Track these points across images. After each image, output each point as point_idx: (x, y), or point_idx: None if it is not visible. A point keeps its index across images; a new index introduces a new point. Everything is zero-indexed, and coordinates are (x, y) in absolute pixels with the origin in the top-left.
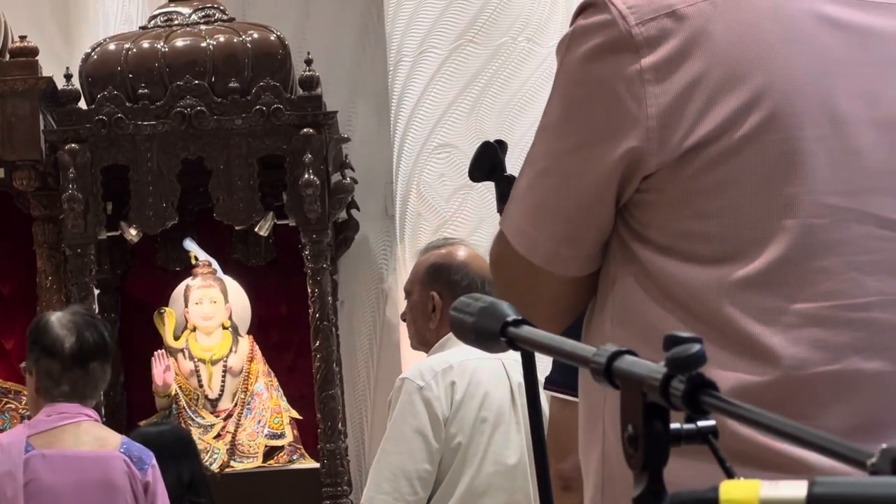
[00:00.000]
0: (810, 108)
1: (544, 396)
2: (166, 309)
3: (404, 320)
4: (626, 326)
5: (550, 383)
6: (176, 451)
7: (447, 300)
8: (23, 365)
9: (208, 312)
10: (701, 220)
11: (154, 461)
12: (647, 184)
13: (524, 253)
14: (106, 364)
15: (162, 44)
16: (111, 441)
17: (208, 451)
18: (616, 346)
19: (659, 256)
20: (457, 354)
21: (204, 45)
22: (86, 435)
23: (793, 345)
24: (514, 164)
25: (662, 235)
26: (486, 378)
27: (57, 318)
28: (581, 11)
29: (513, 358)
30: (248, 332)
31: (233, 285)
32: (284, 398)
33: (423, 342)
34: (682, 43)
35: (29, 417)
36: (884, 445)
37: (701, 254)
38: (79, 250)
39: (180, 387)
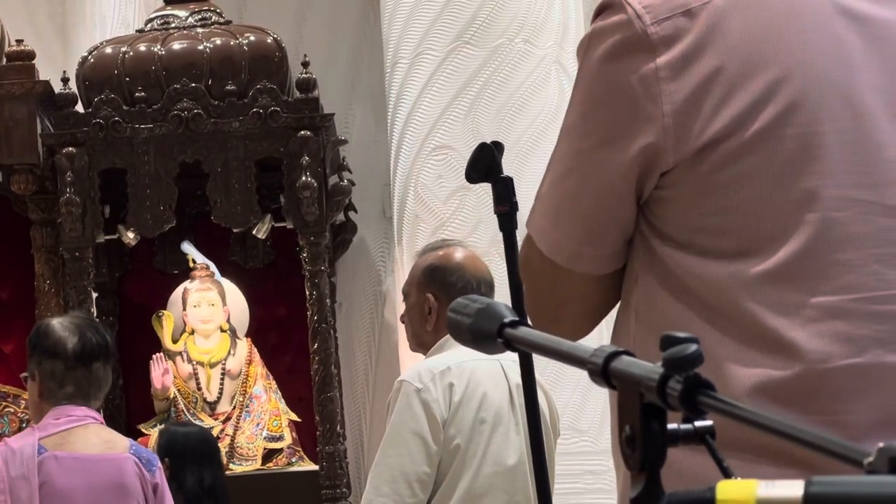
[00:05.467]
0: (829, 101)
1: (542, 397)
2: (164, 312)
3: (403, 322)
4: (649, 323)
5: None
6: (200, 455)
7: (443, 302)
8: (23, 375)
9: (206, 315)
10: (719, 216)
11: (159, 463)
12: (665, 180)
13: (548, 253)
14: (108, 366)
15: (158, 47)
16: (119, 443)
17: None
18: (612, 346)
19: (678, 252)
20: (455, 356)
21: (201, 48)
22: (94, 437)
23: (815, 338)
24: (510, 165)
25: (681, 231)
26: (485, 379)
27: (58, 322)
28: (599, 13)
29: (511, 359)
30: (247, 335)
31: (231, 288)
32: (283, 401)
33: (421, 344)
34: (696, 40)
35: (27, 422)
36: (880, 444)
37: (720, 249)
38: (77, 254)
39: (179, 390)
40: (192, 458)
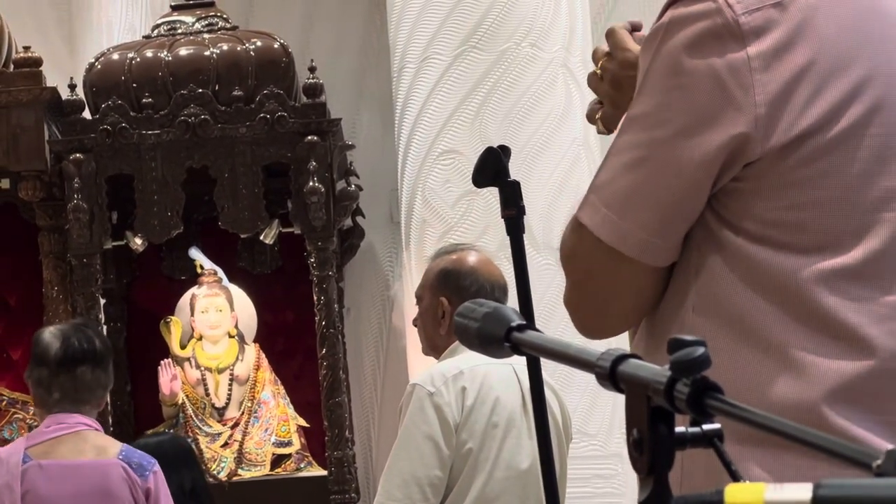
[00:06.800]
0: None
1: (554, 401)
2: (172, 318)
3: (416, 325)
4: (710, 315)
5: None
6: (175, 461)
7: (456, 306)
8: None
9: (214, 321)
10: (798, 210)
11: (157, 467)
12: (746, 172)
13: (613, 244)
14: (97, 369)
15: (165, 53)
16: (111, 449)
17: (216, 460)
18: (619, 350)
19: (752, 245)
20: (467, 360)
21: (207, 53)
22: (85, 444)
23: (887, 336)
24: (517, 169)
25: (757, 224)
26: (497, 383)
27: (49, 329)
28: (675, 0)
29: (524, 363)
30: (255, 341)
31: (238, 294)
32: (291, 406)
33: (434, 347)
34: (787, 33)
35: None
36: (889, 447)
37: (797, 243)
38: (84, 260)
39: (187, 396)
40: (167, 465)
